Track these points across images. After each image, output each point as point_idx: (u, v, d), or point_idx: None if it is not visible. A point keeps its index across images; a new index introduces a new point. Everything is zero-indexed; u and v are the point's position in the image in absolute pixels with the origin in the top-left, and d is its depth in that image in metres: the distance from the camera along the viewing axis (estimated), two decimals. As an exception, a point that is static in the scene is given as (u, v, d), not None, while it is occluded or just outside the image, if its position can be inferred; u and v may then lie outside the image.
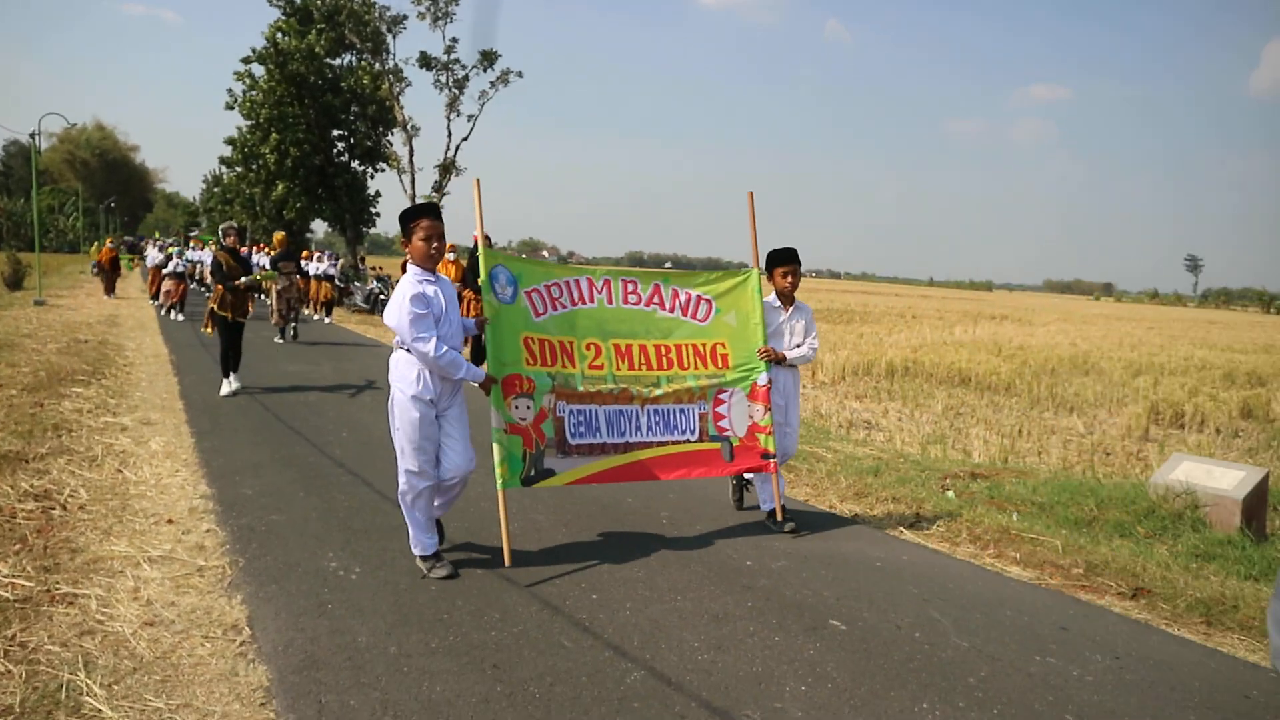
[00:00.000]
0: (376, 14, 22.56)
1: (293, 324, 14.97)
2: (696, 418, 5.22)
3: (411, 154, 22.39)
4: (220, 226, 9.66)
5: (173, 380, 10.18)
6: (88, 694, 2.99)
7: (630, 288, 5.24)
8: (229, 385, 9.36)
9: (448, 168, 22.23)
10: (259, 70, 28.28)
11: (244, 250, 9.76)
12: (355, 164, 29.57)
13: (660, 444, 5.08)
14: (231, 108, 29.03)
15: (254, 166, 28.50)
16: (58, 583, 3.90)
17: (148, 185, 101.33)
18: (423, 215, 4.26)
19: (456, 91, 21.92)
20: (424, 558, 4.33)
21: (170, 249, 20.82)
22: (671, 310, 5.30)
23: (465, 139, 22.30)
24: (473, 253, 9.48)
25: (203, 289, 25.29)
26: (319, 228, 31.69)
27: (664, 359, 5.21)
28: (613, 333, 5.10)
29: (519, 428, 4.59)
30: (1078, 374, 18.91)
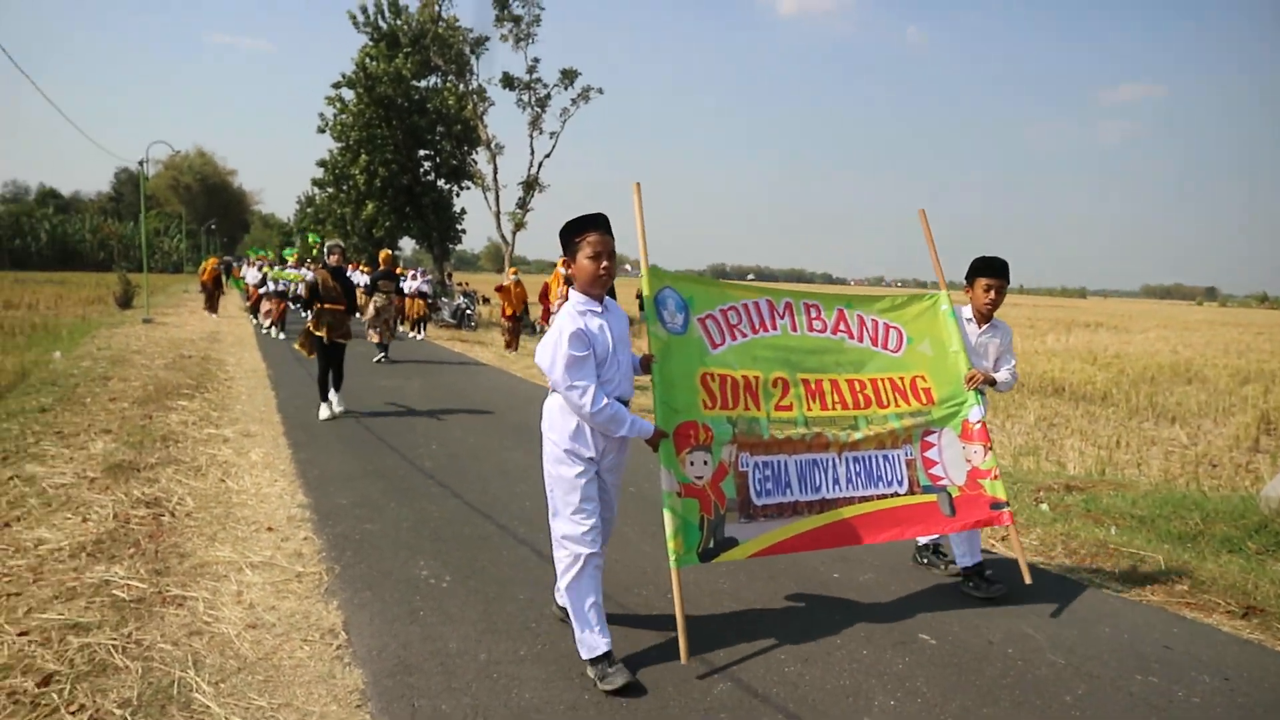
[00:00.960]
0: (461, 37, 23.10)
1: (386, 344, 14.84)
2: (903, 465, 4.37)
3: (496, 171, 22.86)
4: (327, 244, 9.13)
5: (270, 394, 10.57)
6: (197, 691, 3.14)
7: (814, 313, 4.42)
8: (328, 409, 8.94)
9: (531, 184, 22.61)
10: (349, 94, 29.31)
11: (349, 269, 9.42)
12: (441, 182, 30.31)
13: (864, 499, 4.20)
14: (323, 131, 30.11)
15: (344, 187, 29.47)
16: (168, 585, 4.10)
17: (245, 207, 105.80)
18: (590, 227, 3.39)
19: (539, 110, 22.31)
20: (593, 660, 3.37)
21: (267, 268, 21.13)
22: (860, 339, 4.50)
23: (548, 155, 22.71)
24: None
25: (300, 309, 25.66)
26: (406, 245, 32.54)
27: (860, 396, 4.37)
28: (800, 366, 4.26)
29: (695, 489, 3.72)
30: (1180, 383, 18.18)
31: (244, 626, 3.70)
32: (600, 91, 22.36)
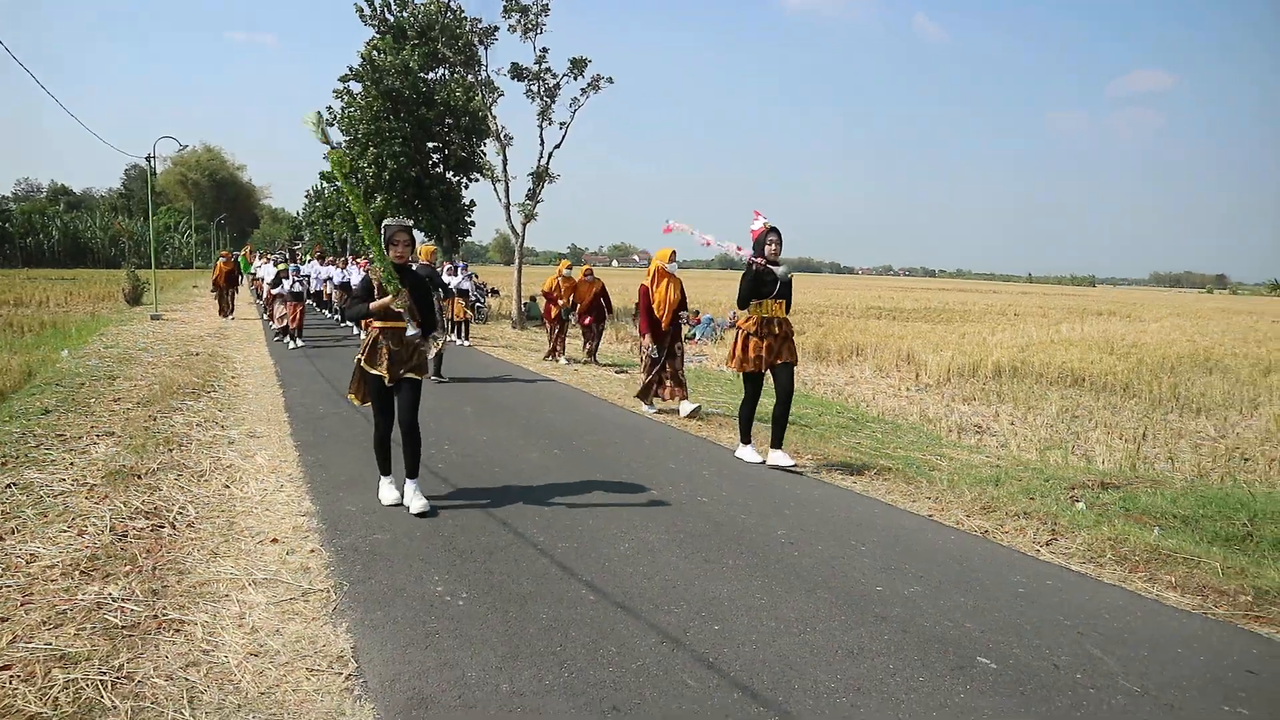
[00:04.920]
0: (469, 27, 22.70)
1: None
2: None
3: (505, 163, 22.41)
4: (386, 225, 5.55)
5: (278, 392, 10.31)
6: (193, 733, 2.86)
7: None
8: (392, 489, 5.64)
9: (541, 175, 22.18)
10: (356, 87, 28.99)
11: (415, 264, 5.97)
12: (450, 175, 29.96)
13: None
14: (331, 124, 29.82)
15: (353, 180, 29.15)
16: (165, 608, 3.81)
17: (254, 202, 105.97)
18: None
19: (548, 100, 21.88)
20: None
21: (283, 264, 17.87)
22: None
23: (558, 146, 22.26)
24: None
25: (332, 316, 23.16)
26: (416, 238, 32.28)
27: None
28: None
29: None
30: (1201, 372, 17.84)
31: (245, 654, 3.41)
32: (610, 81, 21.92)
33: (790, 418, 10.87)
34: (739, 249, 7.29)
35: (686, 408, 9.51)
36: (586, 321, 14.80)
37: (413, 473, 5.53)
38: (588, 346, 15.04)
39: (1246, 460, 10.11)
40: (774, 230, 7.08)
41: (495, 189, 22.73)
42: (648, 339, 9.56)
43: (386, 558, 4.59)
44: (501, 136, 22.81)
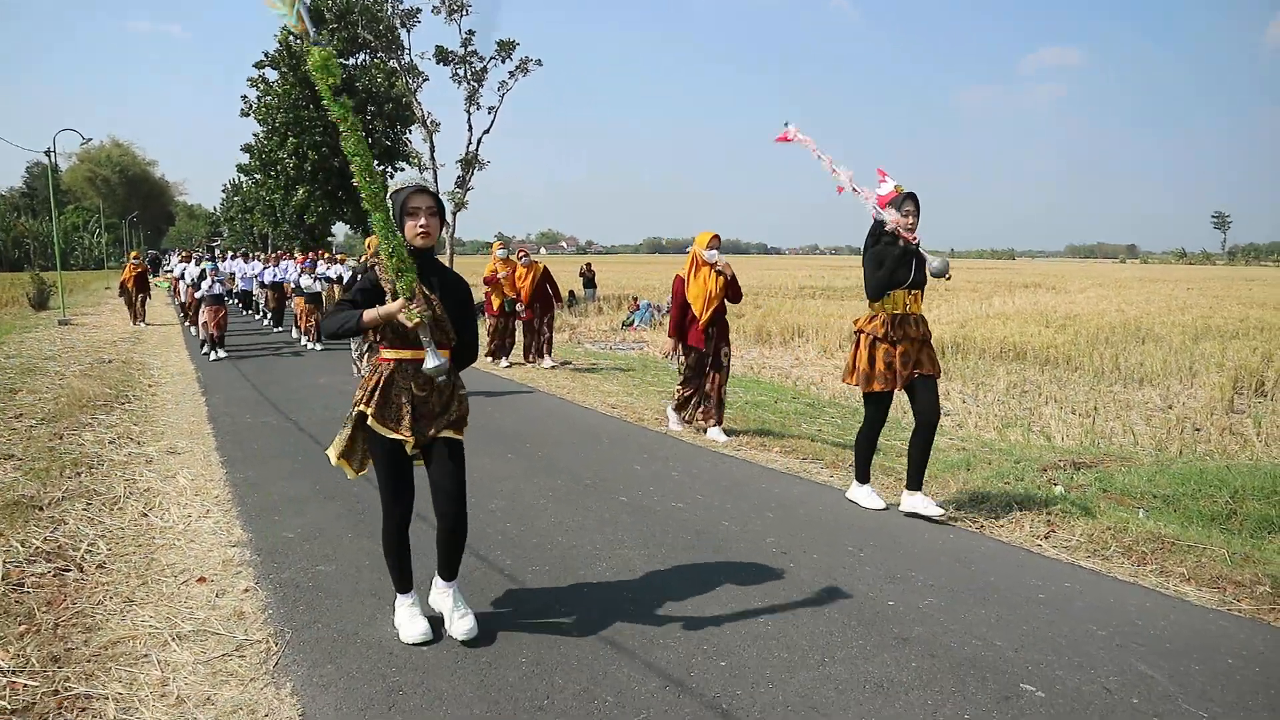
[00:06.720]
0: (389, 9, 21.79)
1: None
2: None
3: (433, 150, 21.61)
4: (395, 189, 3.79)
5: (200, 400, 9.55)
6: None
7: None
8: (419, 621, 3.56)
9: (470, 162, 21.43)
10: (273, 75, 27.82)
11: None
12: (375, 164, 29.01)
13: None
14: (247, 115, 28.57)
15: (273, 172, 27.98)
16: (68, 679, 3.17)
17: (169, 199, 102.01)
18: None
19: (475, 84, 21.14)
20: None
21: (204, 263, 15.99)
22: None
23: (486, 131, 21.55)
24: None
25: (259, 318, 21.53)
26: (340, 230, 31.23)
27: None
28: None
29: None
30: (1135, 342, 18.12)
31: (170, 735, 2.85)
32: (539, 63, 21.32)
33: (744, 402, 10.54)
34: (879, 200, 5.21)
35: (720, 436, 7.82)
36: (528, 316, 12.93)
37: (450, 573, 3.64)
38: (534, 345, 13.09)
39: (1198, 431, 10.11)
40: (911, 196, 5.18)
41: (423, 178, 21.86)
42: (671, 344, 8.02)
43: (333, 594, 4.02)
44: (428, 123, 21.99)
